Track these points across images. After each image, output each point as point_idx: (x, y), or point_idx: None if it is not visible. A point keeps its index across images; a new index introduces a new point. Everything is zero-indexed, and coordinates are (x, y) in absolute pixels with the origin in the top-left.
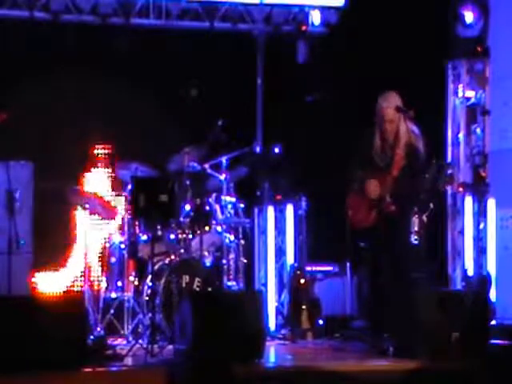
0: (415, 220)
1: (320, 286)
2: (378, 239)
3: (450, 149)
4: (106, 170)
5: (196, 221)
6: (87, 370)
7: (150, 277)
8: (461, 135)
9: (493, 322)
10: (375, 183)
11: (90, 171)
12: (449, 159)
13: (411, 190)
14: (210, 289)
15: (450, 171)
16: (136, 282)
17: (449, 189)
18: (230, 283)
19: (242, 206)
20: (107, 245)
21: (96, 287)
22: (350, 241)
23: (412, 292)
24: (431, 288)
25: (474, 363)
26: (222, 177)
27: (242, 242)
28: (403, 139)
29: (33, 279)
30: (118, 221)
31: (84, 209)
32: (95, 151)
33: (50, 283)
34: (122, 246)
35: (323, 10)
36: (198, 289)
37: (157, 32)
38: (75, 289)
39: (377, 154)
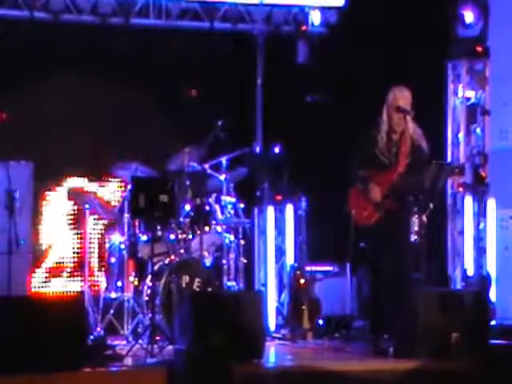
0: (415, 220)
1: (320, 285)
2: (380, 238)
3: (449, 149)
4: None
5: (196, 221)
6: (87, 370)
7: (149, 277)
8: (461, 135)
9: (493, 322)
10: (377, 190)
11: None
12: (449, 159)
13: (415, 188)
14: (210, 289)
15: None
16: (136, 282)
17: (449, 189)
18: (229, 283)
19: (241, 206)
20: (107, 245)
21: (96, 287)
22: (351, 240)
23: (412, 292)
24: (431, 288)
25: (474, 363)
26: (222, 177)
27: (242, 242)
28: (409, 137)
29: (33, 279)
30: (117, 221)
31: (84, 209)
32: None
33: (49, 283)
34: (122, 246)
35: (323, 9)
36: (197, 289)
37: (157, 32)
38: (75, 289)
39: (381, 151)
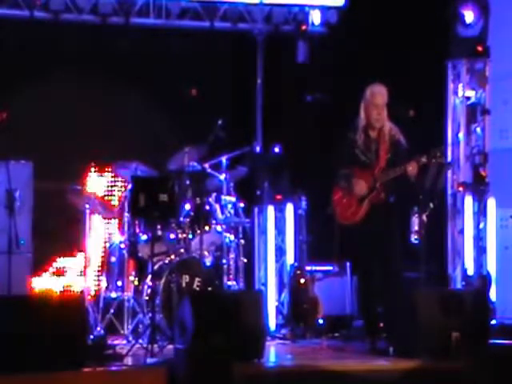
0: (415, 220)
1: (320, 285)
2: (367, 237)
3: (449, 148)
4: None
5: (196, 220)
6: (87, 369)
7: (149, 277)
8: (461, 135)
9: (493, 322)
10: (362, 183)
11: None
12: (449, 159)
13: (399, 179)
14: (210, 289)
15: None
16: (136, 282)
17: (449, 188)
18: (229, 283)
19: (241, 205)
20: (107, 245)
21: (96, 287)
22: (336, 240)
23: (405, 290)
24: (431, 288)
25: (474, 363)
26: (222, 176)
27: (242, 241)
28: (387, 133)
29: (32, 279)
30: (117, 220)
31: (84, 209)
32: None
33: (49, 283)
34: (122, 245)
35: (323, 9)
36: (198, 288)
37: (157, 32)
38: (75, 288)
39: (361, 150)
